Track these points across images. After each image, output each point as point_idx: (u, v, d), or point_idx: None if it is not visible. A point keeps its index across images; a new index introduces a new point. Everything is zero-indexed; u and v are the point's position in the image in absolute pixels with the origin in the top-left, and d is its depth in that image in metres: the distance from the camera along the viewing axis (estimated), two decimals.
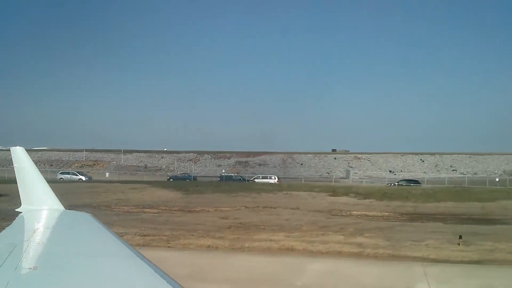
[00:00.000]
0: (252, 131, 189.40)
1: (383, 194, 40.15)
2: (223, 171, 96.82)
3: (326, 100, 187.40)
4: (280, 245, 16.48)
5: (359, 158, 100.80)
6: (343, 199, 37.61)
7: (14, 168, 6.75)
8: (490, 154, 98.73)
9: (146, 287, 3.01)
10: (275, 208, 30.17)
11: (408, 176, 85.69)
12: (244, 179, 69.04)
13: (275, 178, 68.49)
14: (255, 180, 68.10)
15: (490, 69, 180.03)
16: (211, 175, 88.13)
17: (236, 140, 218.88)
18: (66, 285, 3.00)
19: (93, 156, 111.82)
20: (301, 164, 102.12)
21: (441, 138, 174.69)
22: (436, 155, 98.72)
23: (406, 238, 18.30)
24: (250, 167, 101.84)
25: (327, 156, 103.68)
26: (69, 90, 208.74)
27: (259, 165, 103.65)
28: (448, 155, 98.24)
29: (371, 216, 28.49)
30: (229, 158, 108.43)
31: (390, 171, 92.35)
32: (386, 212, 30.14)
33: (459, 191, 44.60)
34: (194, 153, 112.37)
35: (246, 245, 16.52)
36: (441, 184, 64.92)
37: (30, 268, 3.19)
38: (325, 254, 15.31)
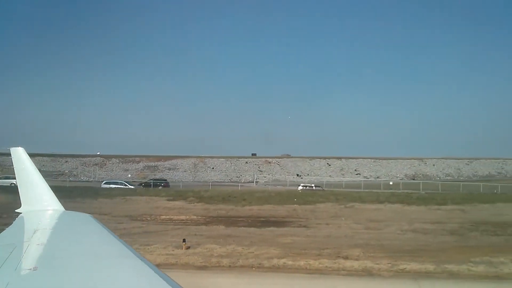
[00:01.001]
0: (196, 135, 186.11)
1: (223, 197, 40.70)
2: (129, 175, 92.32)
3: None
4: None
5: (269, 162, 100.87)
6: (177, 203, 38.12)
7: (14, 168, 6.68)
8: (394, 158, 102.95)
9: (146, 287, 2.99)
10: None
11: (314, 179, 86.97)
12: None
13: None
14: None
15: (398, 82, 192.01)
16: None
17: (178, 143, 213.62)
18: (66, 286, 2.95)
19: None
20: (213, 168, 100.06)
21: (347, 143, 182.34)
22: (342, 159, 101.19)
23: (149, 241, 19.46)
24: (159, 172, 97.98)
25: (238, 160, 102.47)
26: None
27: (169, 169, 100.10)
28: (353, 160, 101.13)
29: (175, 220, 29.68)
30: (138, 162, 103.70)
31: (298, 175, 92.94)
32: (195, 216, 31.21)
33: (297, 195, 45.50)
34: (101, 157, 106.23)
35: None
36: (339, 188, 65.67)
37: (30, 269, 3.17)
38: None
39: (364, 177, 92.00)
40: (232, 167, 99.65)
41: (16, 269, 3.18)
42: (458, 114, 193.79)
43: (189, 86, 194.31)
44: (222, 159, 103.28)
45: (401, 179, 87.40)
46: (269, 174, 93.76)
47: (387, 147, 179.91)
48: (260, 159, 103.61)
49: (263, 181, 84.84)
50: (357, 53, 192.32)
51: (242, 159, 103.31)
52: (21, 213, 6.21)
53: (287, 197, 42.41)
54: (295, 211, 34.11)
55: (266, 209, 34.97)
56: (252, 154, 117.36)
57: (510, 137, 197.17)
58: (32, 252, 3.80)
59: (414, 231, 25.31)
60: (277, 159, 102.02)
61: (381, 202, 39.65)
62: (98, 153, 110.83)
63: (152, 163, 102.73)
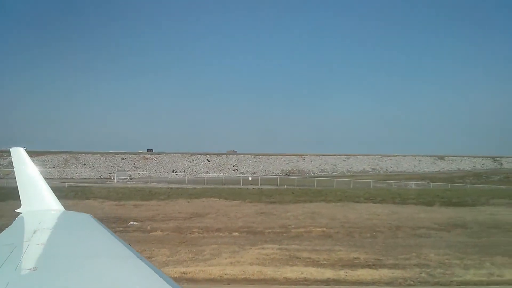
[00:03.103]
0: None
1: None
2: None
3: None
4: None
5: (147, 158, 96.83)
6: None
7: (14, 168, 6.72)
8: (274, 155, 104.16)
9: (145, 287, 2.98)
10: None
11: (189, 176, 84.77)
12: None
13: None
14: None
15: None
16: None
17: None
18: (66, 286, 2.93)
19: None
20: (84, 164, 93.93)
21: (231, 139, 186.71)
22: (223, 155, 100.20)
23: None
24: None
25: (114, 156, 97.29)
26: None
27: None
28: (233, 156, 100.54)
29: None
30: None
31: (173, 171, 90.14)
32: None
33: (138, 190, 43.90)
34: None
35: None
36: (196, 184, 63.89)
37: (30, 269, 3.15)
38: None
39: (241, 172, 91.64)
40: (106, 163, 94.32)
41: (16, 269, 3.17)
42: (334, 113, 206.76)
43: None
44: (97, 155, 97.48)
45: (275, 175, 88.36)
46: (143, 171, 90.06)
47: (269, 144, 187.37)
48: (137, 155, 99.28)
49: (123, 177, 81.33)
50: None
51: (119, 155, 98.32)
52: (21, 213, 6.18)
53: (128, 195, 39.98)
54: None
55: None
56: (147, 150, 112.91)
57: (387, 135, 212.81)
58: (32, 252, 3.79)
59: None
60: (155, 155, 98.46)
61: (208, 197, 38.18)
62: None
63: None
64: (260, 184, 64.33)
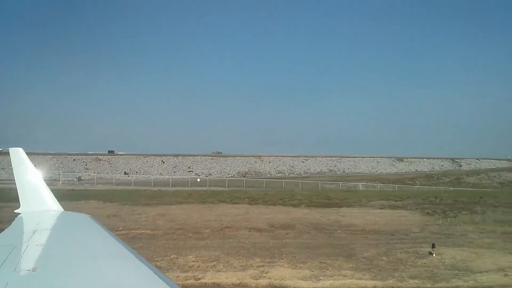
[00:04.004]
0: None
1: None
2: None
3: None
4: None
5: (99, 160, 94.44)
6: None
7: (13, 169, 6.70)
8: (232, 156, 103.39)
9: None
10: None
11: (140, 177, 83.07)
12: None
13: None
14: None
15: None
16: None
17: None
18: (65, 287, 2.92)
19: None
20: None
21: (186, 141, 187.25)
22: (179, 156, 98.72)
23: None
24: None
25: (66, 157, 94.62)
26: None
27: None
28: (190, 157, 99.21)
29: None
30: None
31: (125, 173, 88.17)
32: None
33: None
34: None
35: None
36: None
37: (29, 270, 3.15)
38: None
39: (196, 174, 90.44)
40: (57, 164, 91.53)
41: (15, 270, 3.16)
42: (297, 115, 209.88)
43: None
44: (48, 156, 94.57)
45: (231, 176, 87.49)
46: (95, 173, 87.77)
47: (229, 145, 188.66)
48: (90, 156, 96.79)
49: (87, 179, 79.33)
50: None
51: (71, 156, 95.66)
52: (20, 213, 6.17)
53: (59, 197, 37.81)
54: None
55: None
56: (109, 151, 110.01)
57: (347, 135, 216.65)
58: (31, 252, 3.78)
59: None
60: (107, 156, 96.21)
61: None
62: None
63: None
64: (209, 186, 63.61)
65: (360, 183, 69.62)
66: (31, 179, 6.74)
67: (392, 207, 27.92)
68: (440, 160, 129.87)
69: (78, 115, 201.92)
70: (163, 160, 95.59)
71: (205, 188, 56.57)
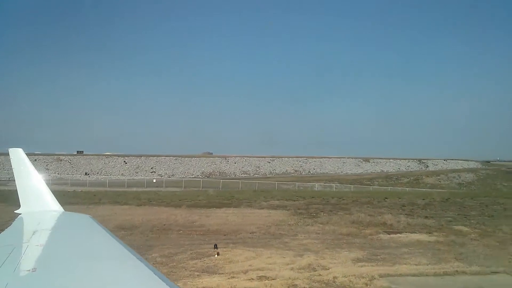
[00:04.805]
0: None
1: None
2: None
3: None
4: None
5: (61, 160, 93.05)
6: None
7: (13, 169, 6.72)
8: (198, 156, 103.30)
9: None
10: None
11: (101, 178, 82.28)
12: None
13: None
14: None
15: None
16: None
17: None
18: (65, 287, 2.92)
19: None
20: None
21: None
22: (142, 157, 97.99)
23: None
24: None
25: (28, 157, 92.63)
26: None
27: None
28: (154, 157, 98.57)
29: None
30: None
31: (86, 173, 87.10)
32: None
33: None
34: None
35: None
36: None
37: (29, 270, 3.15)
38: None
39: (158, 175, 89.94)
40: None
41: (15, 270, 3.17)
42: (266, 116, 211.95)
43: None
44: (2, 157, 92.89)
45: (194, 177, 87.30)
46: (55, 173, 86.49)
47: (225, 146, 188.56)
48: (52, 156, 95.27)
49: (46, 179, 77.93)
50: None
51: (32, 156, 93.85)
52: (20, 214, 6.17)
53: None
54: None
55: None
56: (77, 151, 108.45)
57: (312, 136, 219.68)
58: (31, 253, 3.80)
59: None
60: (69, 157, 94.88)
61: None
62: None
63: None
64: (165, 186, 63.35)
65: (316, 184, 70.29)
66: (31, 179, 6.73)
67: (277, 207, 27.29)
68: (407, 160, 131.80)
69: (50, 115, 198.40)
70: (126, 161, 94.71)
71: (161, 189, 56.34)
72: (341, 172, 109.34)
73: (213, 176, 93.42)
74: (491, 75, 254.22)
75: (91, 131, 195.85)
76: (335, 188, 66.55)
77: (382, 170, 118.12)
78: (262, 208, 27.09)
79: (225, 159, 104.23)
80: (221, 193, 42.66)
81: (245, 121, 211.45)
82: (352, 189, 64.95)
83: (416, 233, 18.98)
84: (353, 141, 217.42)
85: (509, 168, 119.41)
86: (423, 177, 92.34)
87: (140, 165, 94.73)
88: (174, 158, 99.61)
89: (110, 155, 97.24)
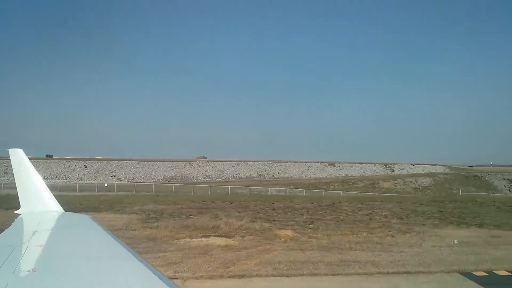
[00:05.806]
0: None
1: None
2: None
3: None
4: None
5: None
6: None
7: (13, 170, 6.81)
8: (161, 160, 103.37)
9: None
10: None
11: (59, 182, 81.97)
12: None
13: None
14: None
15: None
16: None
17: None
18: None
19: None
20: None
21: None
22: (103, 161, 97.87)
23: None
24: None
25: None
26: None
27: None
28: (115, 161, 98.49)
29: None
30: None
31: (44, 177, 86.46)
32: None
33: None
34: None
35: None
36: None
37: (29, 271, 3.15)
38: None
39: (118, 179, 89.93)
40: None
41: (15, 270, 3.15)
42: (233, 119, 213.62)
43: None
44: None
45: (154, 181, 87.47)
46: (13, 177, 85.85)
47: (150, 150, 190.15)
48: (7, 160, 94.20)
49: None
50: None
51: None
52: (20, 214, 6.15)
53: None
54: None
55: None
56: (46, 155, 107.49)
57: (284, 141, 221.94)
58: (31, 253, 3.78)
59: None
60: (32, 160, 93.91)
61: None
62: None
63: None
64: (116, 191, 63.55)
65: (269, 188, 71.26)
66: (31, 180, 6.74)
67: (140, 211, 28.48)
68: (373, 165, 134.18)
69: (18, 117, 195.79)
70: (86, 165, 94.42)
71: (112, 193, 56.58)
72: (305, 176, 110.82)
73: (175, 180, 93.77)
74: (483, 78, 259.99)
75: (94, 133, 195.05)
76: (289, 192, 67.73)
77: (347, 174, 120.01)
78: (124, 213, 28.03)
79: (189, 163, 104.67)
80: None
81: (241, 124, 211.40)
82: (305, 193, 66.29)
83: (223, 237, 19.82)
84: (325, 146, 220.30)
85: (469, 172, 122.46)
86: (380, 181, 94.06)
87: (100, 169, 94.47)
88: (136, 162, 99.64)
89: (71, 159, 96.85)
